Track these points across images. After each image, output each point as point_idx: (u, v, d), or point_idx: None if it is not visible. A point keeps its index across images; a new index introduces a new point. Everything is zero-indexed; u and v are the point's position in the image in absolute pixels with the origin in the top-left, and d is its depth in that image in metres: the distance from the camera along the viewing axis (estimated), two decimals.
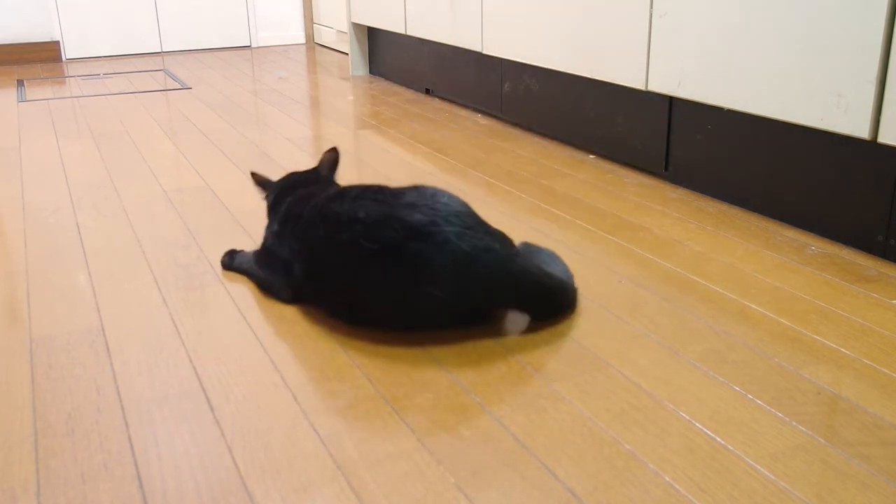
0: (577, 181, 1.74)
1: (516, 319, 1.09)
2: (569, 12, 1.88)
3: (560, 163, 1.90)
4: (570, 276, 1.16)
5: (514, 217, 1.52)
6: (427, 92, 2.85)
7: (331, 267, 1.03)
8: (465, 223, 0.98)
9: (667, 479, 0.76)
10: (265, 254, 1.20)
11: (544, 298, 1.07)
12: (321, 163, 1.29)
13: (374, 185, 1.06)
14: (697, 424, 0.85)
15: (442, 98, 2.75)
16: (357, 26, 3.29)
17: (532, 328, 1.07)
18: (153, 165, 1.92)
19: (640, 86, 1.70)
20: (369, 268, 0.98)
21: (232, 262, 1.27)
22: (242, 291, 1.20)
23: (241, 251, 1.29)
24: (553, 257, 1.20)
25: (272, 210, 1.23)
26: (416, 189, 1.03)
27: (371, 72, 3.33)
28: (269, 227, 1.21)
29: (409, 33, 2.76)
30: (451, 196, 1.03)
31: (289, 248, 1.11)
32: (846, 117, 1.25)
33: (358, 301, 1.03)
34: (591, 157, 1.95)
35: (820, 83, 1.29)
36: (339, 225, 1.01)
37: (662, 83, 1.64)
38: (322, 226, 1.03)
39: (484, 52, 2.29)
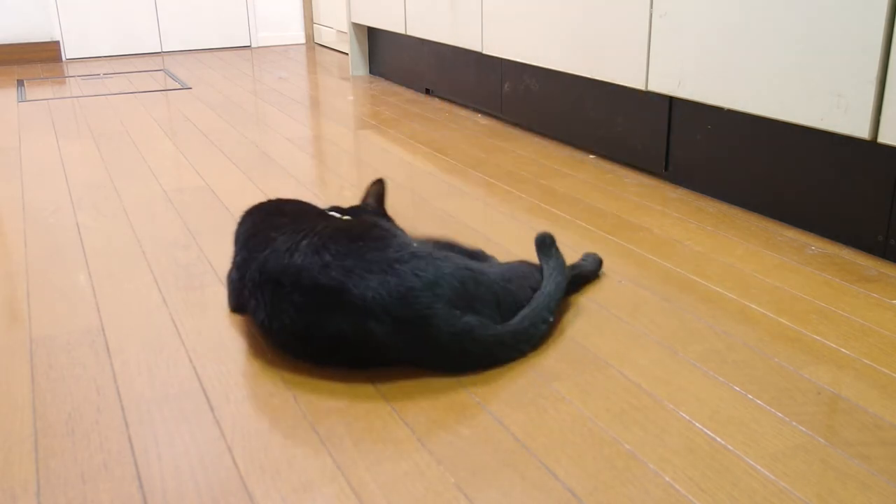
0: (577, 181, 1.74)
1: None
2: (569, 12, 1.88)
3: (560, 163, 1.90)
4: (553, 297, 1.04)
5: (514, 217, 1.52)
6: (427, 92, 2.85)
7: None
8: (400, 316, 0.91)
9: (667, 479, 0.76)
10: (231, 268, 1.18)
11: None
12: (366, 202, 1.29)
13: (339, 260, 0.94)
14: (697, 424, 0.85)
15: (442, 98, 2.75)
16: (357, 26, 3.29)
17: None
18: (153, 165, 1.92)
19: (640, 86, 1.70)
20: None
21: None
22: None
23: None
24: (555, 270, 1.08)
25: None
26: (388, 269, 0.93)
27: (371, 72, 3.33)
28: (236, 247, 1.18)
29: (409, 33, 2.76)
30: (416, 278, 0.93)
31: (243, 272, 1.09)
32: (846, 117, 1.25)
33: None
34: (591, 157, 1.95)
35: (820, 83, 1.29)
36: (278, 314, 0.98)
37: (662, 83, 1.63)
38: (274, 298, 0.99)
39: (484, 52, 2.29)
